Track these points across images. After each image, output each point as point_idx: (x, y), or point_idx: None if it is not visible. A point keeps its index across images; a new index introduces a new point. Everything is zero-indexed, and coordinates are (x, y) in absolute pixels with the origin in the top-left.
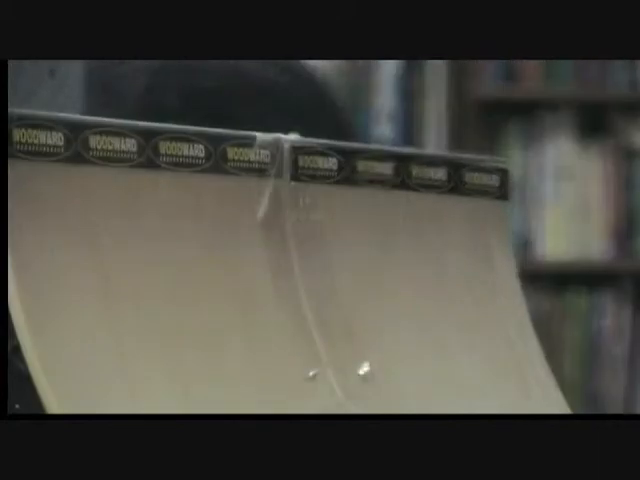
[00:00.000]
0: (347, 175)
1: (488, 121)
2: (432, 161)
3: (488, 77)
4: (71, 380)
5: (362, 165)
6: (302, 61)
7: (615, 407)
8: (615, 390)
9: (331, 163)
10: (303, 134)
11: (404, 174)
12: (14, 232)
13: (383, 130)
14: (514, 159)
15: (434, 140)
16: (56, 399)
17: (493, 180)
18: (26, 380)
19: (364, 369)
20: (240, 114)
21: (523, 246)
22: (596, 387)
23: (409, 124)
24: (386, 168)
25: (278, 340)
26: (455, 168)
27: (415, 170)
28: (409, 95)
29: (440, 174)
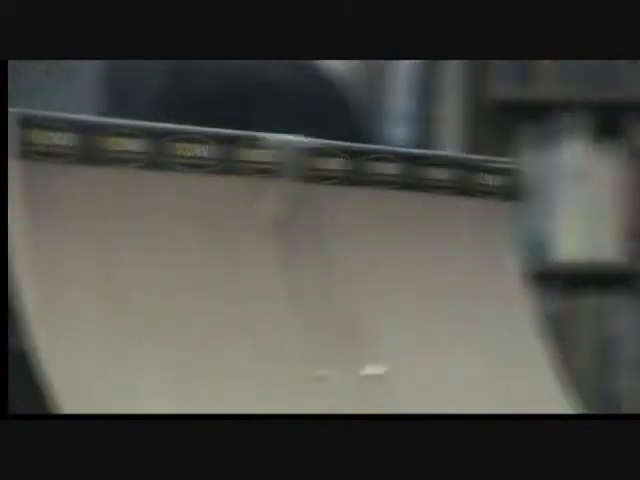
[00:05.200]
0: (355, 176)
1: (503, 122)
2: (440, 162)
3: (503, 78)
4: (75, 379)
5: (370, 166)
6: (316, 62)
7: (628, 408)
8: (628, 391)
9: (339, 164)
10: (317, 135)
11: (412, 174)
12: (24, 233)
13: (399, 131)
14: (528, 160)
15: (449, 141)
16: (61, 398)
17: (500, 181)
18: (31, 380)
19: (370, 369)
20: (253, 115)
21: (538, 247)
22: (609, 388)
23: (425, 125)
24: (394, 169)
25: (284, 339)
26: (462, 169)
27: (423, 171)
28: (425, 96)
29: (447, 175)
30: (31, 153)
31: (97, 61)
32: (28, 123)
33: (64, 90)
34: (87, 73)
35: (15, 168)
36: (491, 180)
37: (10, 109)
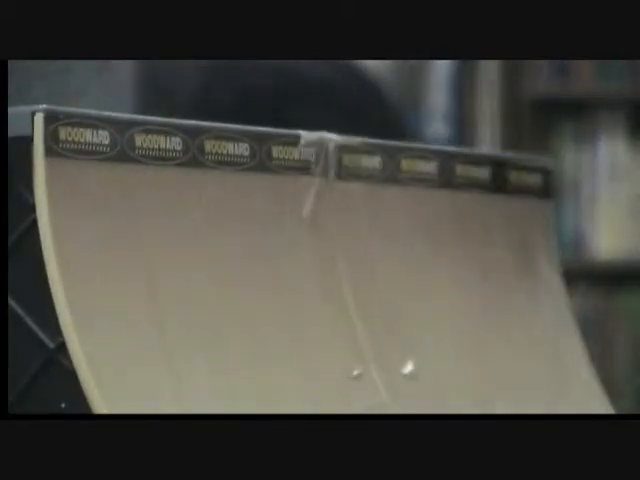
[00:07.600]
0: (391, 174)
1: (541, 120)
2: (476, 160)
3: (541, 76)
4: (117, 377)
5: (406, 164)
6: (355, 61)
7: None
8: None
9: (375, 162)
10: (353, 133)
11: (448, 173)
12: (60, 230)
13: (436, 129)
14: (566, 158)
15: (487, 139)
16: (102, 397)
17: (536, 179)
18: (72, 378)
19: (408, 368)
20: (293, 113)
21: (576, 245)
22: None
23: (462, 123)
24: (430, 167)
25: (323, 338)
26: (498, 167)
27: (459, 169)
28: (462, 94)
29: (484, 173)
30: (61, 150)
31: (133, 60)
32: (54, 120)
33: (102, 88)
34: (124, 71)
35: (43, 165)
36: (529, 178)
37: (36, 106)
